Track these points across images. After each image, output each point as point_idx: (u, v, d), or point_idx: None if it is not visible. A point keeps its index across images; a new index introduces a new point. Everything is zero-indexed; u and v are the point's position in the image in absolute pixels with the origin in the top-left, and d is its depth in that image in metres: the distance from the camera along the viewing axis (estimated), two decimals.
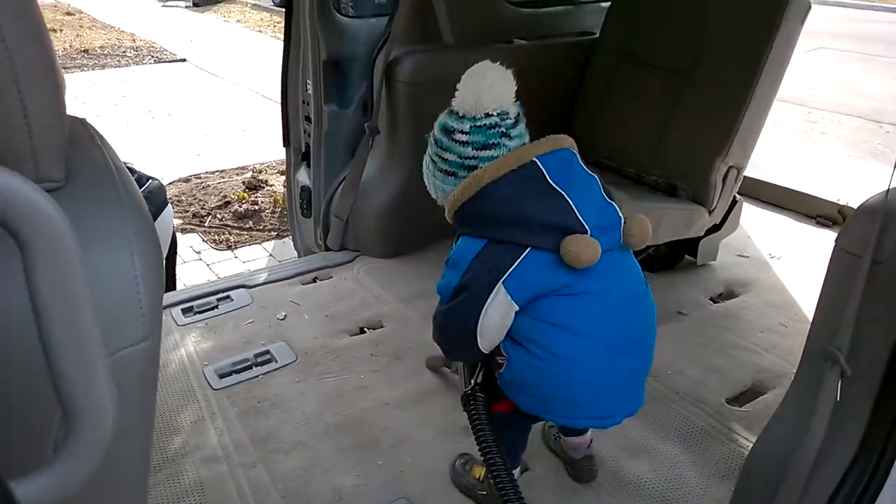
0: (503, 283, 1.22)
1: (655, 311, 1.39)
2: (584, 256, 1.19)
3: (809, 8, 2.35)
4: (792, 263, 2.72)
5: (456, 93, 1.31)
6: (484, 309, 1.24)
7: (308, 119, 2.74)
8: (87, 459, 0.48)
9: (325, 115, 2.66)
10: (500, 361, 1.32)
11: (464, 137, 1.28)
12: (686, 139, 2.47)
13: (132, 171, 2.93)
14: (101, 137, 0.79)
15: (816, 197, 3.16)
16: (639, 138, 2.60)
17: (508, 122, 1.29)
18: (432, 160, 1.36)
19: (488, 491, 1.53)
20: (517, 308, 1.25)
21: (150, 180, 2.82)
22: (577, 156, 1.32)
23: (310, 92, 2.69)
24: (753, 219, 3.06)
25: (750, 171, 3.25)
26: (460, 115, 1.29)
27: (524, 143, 1.32)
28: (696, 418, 1.88)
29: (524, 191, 1.24)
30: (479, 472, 1.60)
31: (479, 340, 1.27)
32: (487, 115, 1.28)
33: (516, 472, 1.52)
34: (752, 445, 1.52)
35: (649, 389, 1.96)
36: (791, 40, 2.34)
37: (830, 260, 1.28)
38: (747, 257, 2.78)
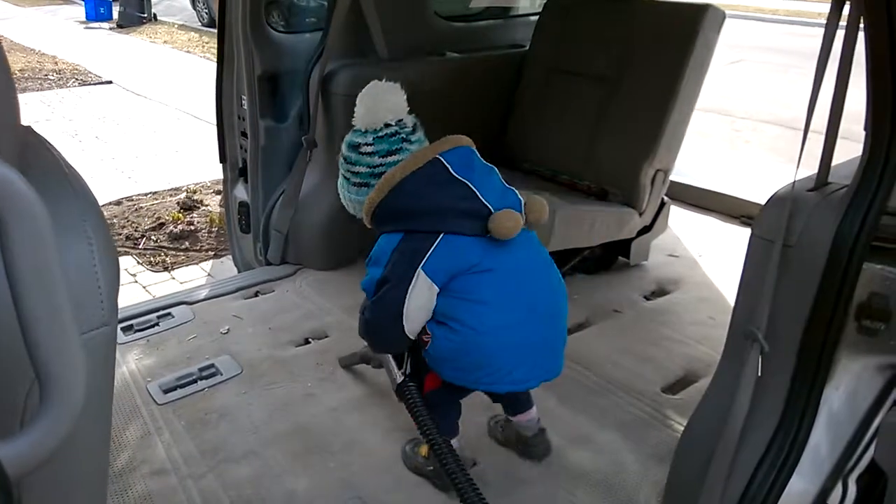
0: (422, 267, 1.36)
1: (563, 285, 1.54)
2: (510, 224, 1.35)
3: (724, 17, 2.52)
4: (718, 261, 2.87)
5: (354, 112, 1.48)
6: (408, 294, 1.36)
7: (244, 134, 2.74)
8: (62, 423, 0.50)
9: (262, 129, 2.67)
10: (425, 339, 1.44)
11: (369, 149, 1.44)
12: (615, 146, 2.60)
13: None
14: (49, 142, 0.81)
15: (740, 198, 3.35)
16: (570, 146, 2.71)
17: (407, 129, 1.45)
18: (345, 177, 1.51)
19: (434, 466, 1.63)
20: (437, 289, 1.38)
21: None
22: (476, 152, 1.46)
23: (245, 107, 2.69)
24: (682, 221, 3.22)
25: (678, 176, 3.42)
26: (363, 130, 1.46)
27: (421, 144, 1.46)
28: (633, 407, 1.97)
29: (431, 184, 1.38)
30: (425, 450, 1.68)
31: (405, 325, 1.39)
32: (387, 126, 1.44)
33: (455, 440, 1.63)
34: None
35: (589, 383, 2.06)
36: (709, 48, 2.50)
37: (748, 247, 1.38)
38: (677, 256, 2.92)
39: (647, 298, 2.61)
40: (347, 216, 2.33)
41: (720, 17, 2.50)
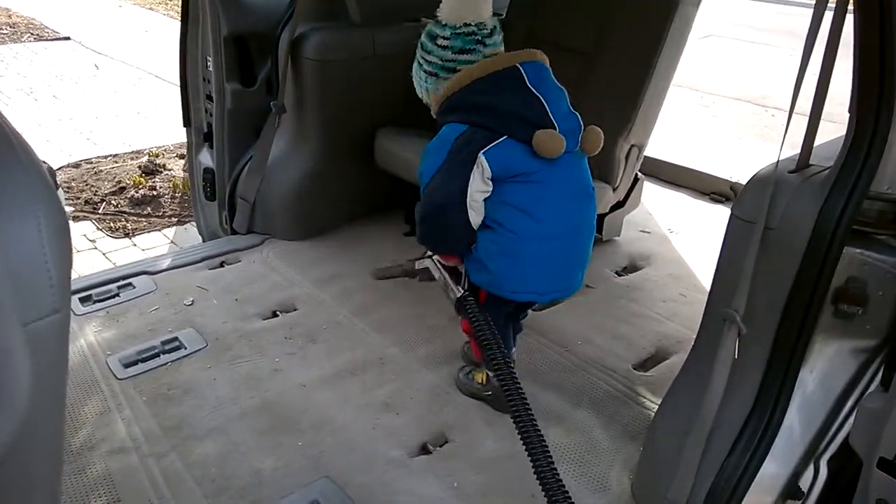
0: (483, 153, 1.44)
1: (596, 212, 1.68)
2: (553, 146, 1.44)
3: None
4: (689, 238, 2.88)
5: (441, 4, 1.55)
6: (471, 177, 1.45)
7: (209, 98, 2.64)
8: (3, 433, 0.45)
9: (228, 93, 2.56)
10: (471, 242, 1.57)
11: (445, 42, 1.52)
12: (591, 120, 2.50)
13: None
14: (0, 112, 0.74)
15: (710, 175, 3.35)
16: None
17: (484, 31, 1.53)
18: (418, 62, 1.60)
19: (493, 391, 1.79)
20: (489, 180, 1.46)
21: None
22: (549, 70, 1.55)
23: (210, 69, 2.58)
24: (654, 197, 3.21)
25: (650, 152, 3.40)
26: (443, 23, 1.54)
27: (498, 52, 1.55)
28: (605, 384, 1.96)
29: (506, 89, 1.47)
30: (481, 376, 1.83)
31: (470, 214, 1.48)
32: (466, 25, 1.52)
33: (513, 352, 1.82)
34: (657, 407, 1.62)
35: (561, 360, 2.05)
36: (687, 23, 2.45)
37: (727, 228, 1.37)
38: (649, 233, 2.92)
39: (618, 274, 2.60)
40: (316, 185, 2.36)
41: None
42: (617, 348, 2.13)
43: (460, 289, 1.63)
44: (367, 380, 1.91)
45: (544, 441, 1.33)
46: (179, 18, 2.68)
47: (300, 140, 2.60)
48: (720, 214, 2.93)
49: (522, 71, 1.48)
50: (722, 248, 1.38)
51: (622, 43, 2.47)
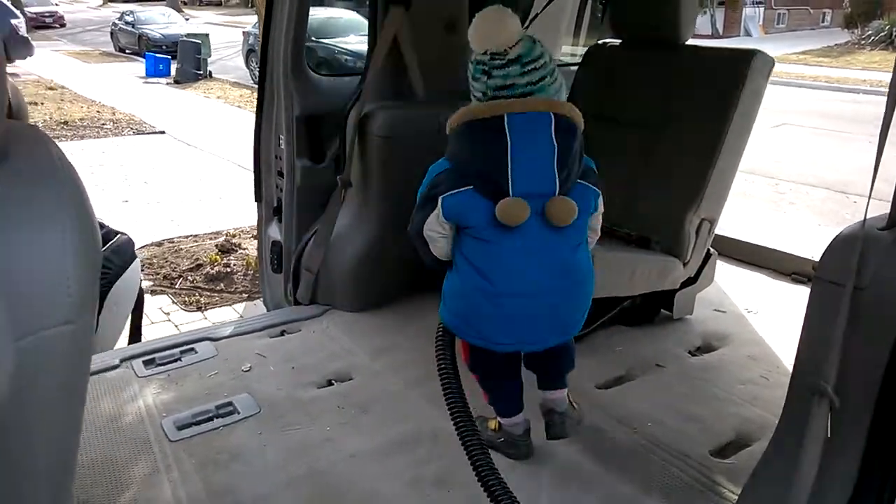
0: (442, 197, 1.46)
1: (583, 284, 1.62)
2: (512, 214, 1.41)
3: (773, 64, 2.43)
4: (770, 318, 2.70)
5: None
6: (428, 217, 1.49)
7: (280, 174, 2.73)
8: None
9: (298, 169, 2.65)
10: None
11: (470, 67, 1.50)
12: (658, 193, 2.49)
13: (101, 225, 2.87)
14: (49, 139, 0.76)
15: (791, 254, 3.17)
16: (611, 193, 2.56)
17: (497, 61, 1.44)
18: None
19: (506, 438, 1.79)
20: (445, 222, 1.48)
21: (119, 235, 2.77)
22: (551, 121, 1.44)
23: (282, 147, 2.69)
24: (729, 275, 3.06)
25: (725, 231, 3.28)
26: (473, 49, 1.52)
27: (507, 84, 1.45)
28: (678, 470, 1.80)
29: (480, 141, 1.44)
30: (494, 423, 1.81)
31: (430, 246, 1.54)
32: (485, 53, 1.45)
33: (518, 417, 1.77)
34: (737, 498, 1.45)
35: (629, 441, 1.90)
36: (757, 95, 2.40)
37: (811, 292, 1.26)
38: (724, 312, 2.76)
39: (692, 354, 2.45)
40: (378, 257, 2.43)
41: (769, 63, 2.41)
42: (691, 432, 1.96)
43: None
44: (418, 453, 1.81)
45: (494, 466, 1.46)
46: (256, 100, 2.82)
47: (364, 213, 2.64)
48: (803, 295, 2.75)
49: (506, 122, 1.42)
50: (806, 315, 1.27)
51: (688, 115, 2.43)
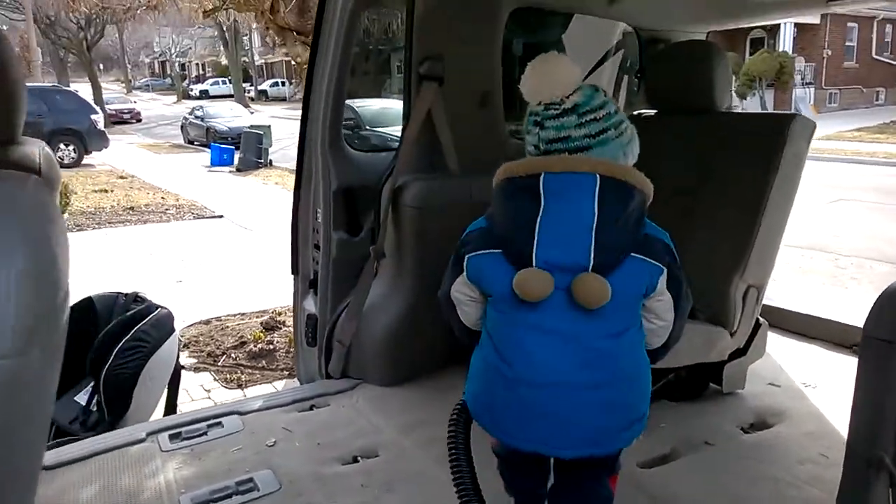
0: (469, 256, 1.35)
1: (611, 372, 1.31)
2: (531, 289, 1.25)
3: (814, 127, 2.35)
4: (829, 392, 2.50)
5: None
6: (460, 276, 1.38)
7: (317, 247, 2.75)
8: None
9: (334, 241, 2.66)
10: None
11: (526, 119, 1.36)
12: (700, 258, 2.37)
13: (142, 300, 2.94)
14: (52, 158, 0.77)
15: (851, 325, 2.97)
16: None
17: (551, 112, 1.30)
18: None
19: None
20: (468, 283, 1.37)
21: (159, 309, 2.82)
22: (612, 185, 1.27)
23: (320, 220, 2.72)
24: (784, 349, 2.88)
25: (779, 302, 3.11)
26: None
27: (562, 136, 1.30)
28: None
29: (515, 198, 1.31)
30: None
31: (458, 311, 1.43)
32: (539, 104, 1.32)
33: None
34: None
35: None
36: (799, 158, 2.32)
37: (860, 354, 1.15)
38: (779, 386, 2.57)
39: (744, 431, 2.27)
40: (411, 330, 2.33)
41: (809, 126, 2.34)
42: None
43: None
44: None
45: None
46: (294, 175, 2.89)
47: (397, 284, 2.61)
48: None
49: (542, 182, 1.26)
50: (857, 378, 1.15)
51: (729, 179, 2.35)
